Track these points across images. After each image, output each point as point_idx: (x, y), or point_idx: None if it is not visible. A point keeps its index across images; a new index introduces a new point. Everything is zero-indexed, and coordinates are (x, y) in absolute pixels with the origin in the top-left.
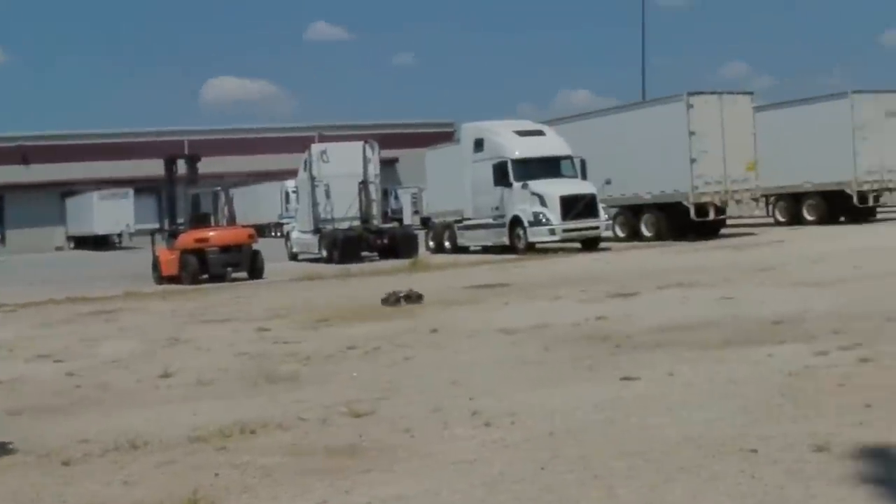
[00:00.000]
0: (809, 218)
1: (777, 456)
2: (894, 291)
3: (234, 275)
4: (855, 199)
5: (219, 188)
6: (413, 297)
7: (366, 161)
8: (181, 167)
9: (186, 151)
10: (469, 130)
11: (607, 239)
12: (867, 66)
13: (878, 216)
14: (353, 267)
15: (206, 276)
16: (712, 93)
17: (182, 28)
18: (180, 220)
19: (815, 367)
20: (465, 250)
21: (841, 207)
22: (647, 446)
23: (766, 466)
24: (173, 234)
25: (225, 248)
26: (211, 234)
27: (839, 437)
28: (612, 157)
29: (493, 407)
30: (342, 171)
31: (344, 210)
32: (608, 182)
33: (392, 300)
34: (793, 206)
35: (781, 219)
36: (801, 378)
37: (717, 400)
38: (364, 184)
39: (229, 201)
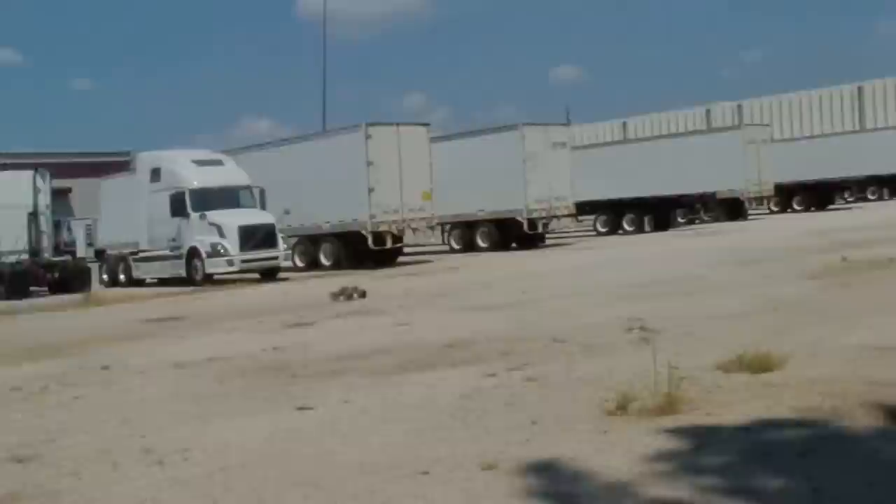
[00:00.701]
0: (483, 245)
1: (448, 476)
2: (559, 313)
3: None
4: (525, 227)
5: None
6: (360, 293)
7: (36, 191)
8: None
9: None
10: (145, 160)
11: (287, 269)
12: (537, 99)
13: (547, 242)
14: (22, 303)
15: None
16: (390, 124)
17: None
18: None
19: (485, 389)
20: (141, 283)
21: (512, 234)
22: (321, 474)
23: (437, 487)
24: None
25: None
26: None
27: (507, 455)
28: (292, 187)
29: (166, 444)
30: (9, 201)
31: (11, 243)
32: (287, 212)
33: (345, 295)
34: (467, 234)
35: (456, 246)
36: (472, 399)
37: (391, 425)
38: (34, 215)
39: None
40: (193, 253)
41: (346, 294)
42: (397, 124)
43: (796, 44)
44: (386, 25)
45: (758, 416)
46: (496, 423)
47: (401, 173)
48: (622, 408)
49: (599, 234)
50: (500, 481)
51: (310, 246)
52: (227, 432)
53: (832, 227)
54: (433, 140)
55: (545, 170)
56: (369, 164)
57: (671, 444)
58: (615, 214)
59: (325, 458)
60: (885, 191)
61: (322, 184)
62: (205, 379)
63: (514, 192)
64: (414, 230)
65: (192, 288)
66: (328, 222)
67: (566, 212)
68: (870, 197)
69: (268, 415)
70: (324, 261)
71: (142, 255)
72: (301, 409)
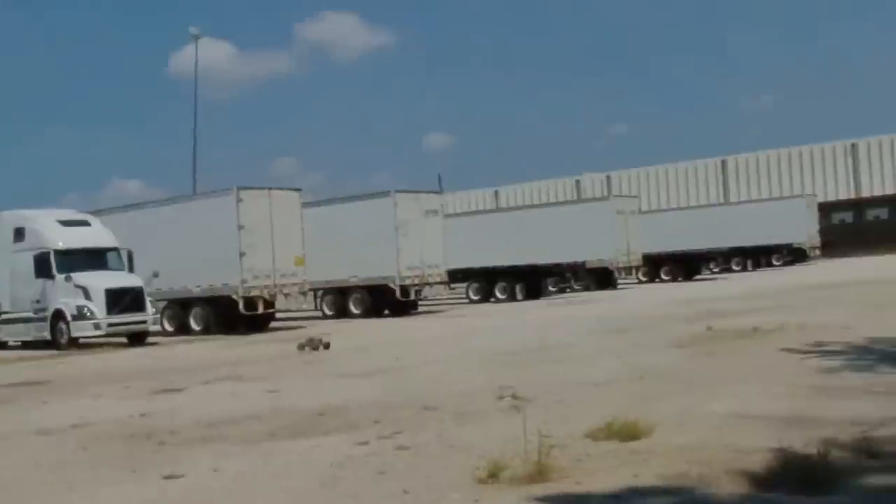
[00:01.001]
0: (356, 311)
1: None
2: (431, 380)
3: None
4: (398, 293)
5: None
6: (325, 344)
7: None
8: None
9: None
10: (8, 219)
11: (155, 333)
12: (411, 166)
13: (420, 309)
14: None
15: None
16: (261, 188)
17: None
18: None
19: (357, 457)
20: (3, 346)
21: (385, 301)
22: None
23: None
24: None
25: None
26: None
27: None
28: (161, 250)
29: None
30: None
31: None
32: (156, 275)
33: (311, 346)
34: (340, 300)
35: (329, 312)
36: (344, 468)
37: (262, 493)
38: None
39: None
40: (58, 315)
41: (313, 345)
42: (269, 189)
43: (662, 118)
44: (259, 87)
45: (626, 484)
46: (368, 492)
47: (273, 238)
48: (493, 476)
49: (472, 301)
50: None
51: (179, 310)
52: (92, 502)
53: (698, 297)
54: (306, 205)
55: (418, 237)
56: (240, 228)
57: None
58: (487, 282)
59: None
60: (749, 262)
61: (192, 247)
62: (69, 446)
63: (386, 258)
64: (286, 295)
65: (56, 351)
66: (198, 286)
67: (439, 279)
68: (734, 268)
69: (135, 484)
70: (194, 325)
71: (4, 316)
72: (169, 477)
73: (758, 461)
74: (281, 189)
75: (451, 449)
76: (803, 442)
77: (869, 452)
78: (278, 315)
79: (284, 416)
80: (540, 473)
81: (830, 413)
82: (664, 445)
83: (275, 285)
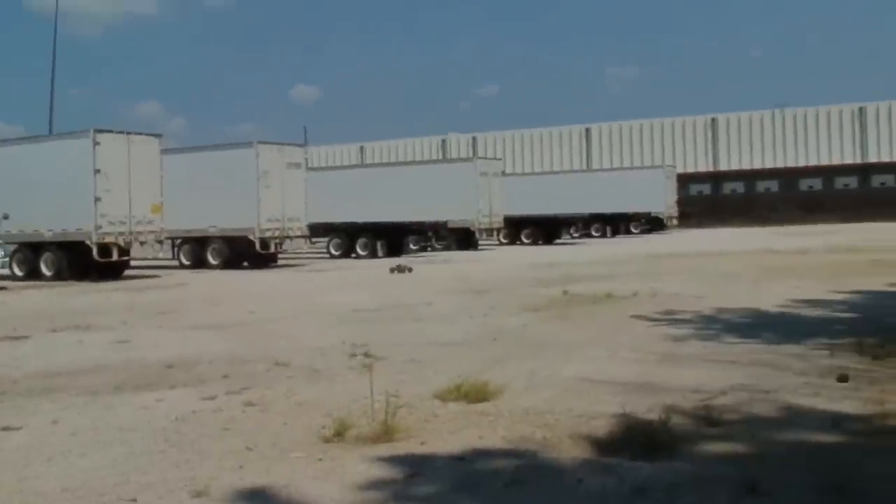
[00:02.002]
0: (213, 262)
1: (156, 503)
2: (284, 335)
3: None
4: (257, 246)
5: None
6: (408, 269)
7: None
8: None
9: None
10: None
11: (4, 277)
12: (276, 118)
13: (280, 262)
14: None
15: None
16: (120, 132)
17: None
18: None
19: (202, 412)
20: None
21: (244, 253)
22: (21, 501)
23: None
24: None
25: None
26: None
27: (219, 482)
28: (12, 191)
29: None
30: None
31: None
32: (6, 217)
33: (400, 270)
34: (198, 250)
35: (186, 262)
36: (188, 423)
37: (101, 448)
38: None
39: None
40: None
41: (400, 269)
42: (128, 133)
43: (529, 83)
44: (124, 28)
45: (471, 446)
46: (211, 449)
47: (130, 184)
48: (339, 435)
49: (333, 257)
50: None
51: (30, 254)
52: None
53: (557, 261)
54: (166, 152)
55: (279, 189)
56: (97, 172)
57: (385, 472)
58: (349, 238)
59: (27, 483)
60: (608, 228)
61: (45, 190)
62: None
63: (247, 210)
64: (142, 243)
65: None
66: (51, 230)
67: (299, 233)
68: (594, 233)
69: None
70: (45, 270)
71: None
72: (6, 429)
73: (601, 426)
74: (140, 134)
75: (299, 406)
76: (646, 408)
77: (708, 420)
78: (134, 263)
79: (132, 367)
80: (386, 433)
81: (674, 380)
82: (511, 408)
83: (130, 232)
